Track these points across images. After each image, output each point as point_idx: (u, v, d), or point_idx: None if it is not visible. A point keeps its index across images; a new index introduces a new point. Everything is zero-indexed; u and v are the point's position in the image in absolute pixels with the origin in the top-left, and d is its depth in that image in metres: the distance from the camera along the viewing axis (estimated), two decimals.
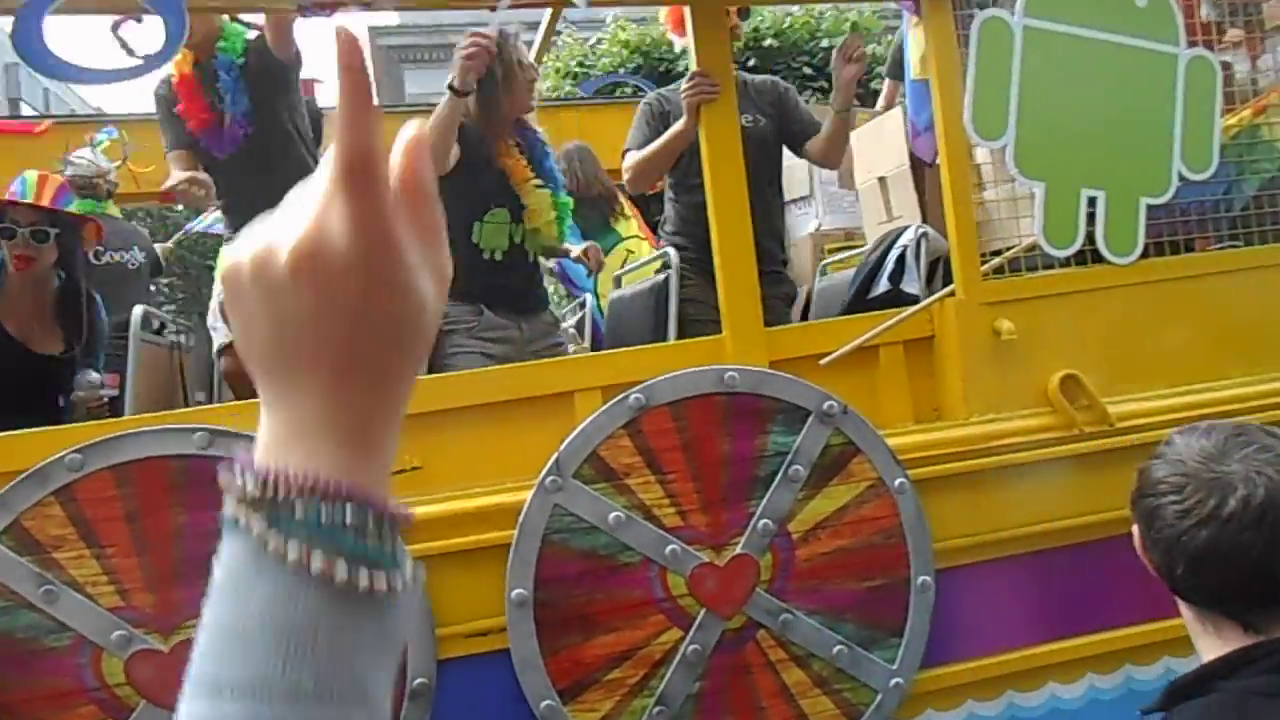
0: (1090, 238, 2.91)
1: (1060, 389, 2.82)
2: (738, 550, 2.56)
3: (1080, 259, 2.95)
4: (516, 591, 2.43)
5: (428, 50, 25.66)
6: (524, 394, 2.61)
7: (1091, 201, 2.91)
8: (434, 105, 3.01)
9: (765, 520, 2.57)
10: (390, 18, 25.56)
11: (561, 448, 2.47)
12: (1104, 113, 2.95)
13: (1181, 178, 2.99)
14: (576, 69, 10.13)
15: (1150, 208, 2.97)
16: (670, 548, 2.52)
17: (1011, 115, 2.85)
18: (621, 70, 9.64)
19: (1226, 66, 3.24)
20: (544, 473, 2.46)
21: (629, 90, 8.87)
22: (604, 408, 2.52)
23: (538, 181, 3.20)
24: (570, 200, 3.42)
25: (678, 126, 3.16)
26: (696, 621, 2.53)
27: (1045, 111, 2.89)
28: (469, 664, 2.44)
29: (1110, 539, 2.83)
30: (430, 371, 2.85)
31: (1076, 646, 2.80)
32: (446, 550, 2.39)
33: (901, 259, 3.27)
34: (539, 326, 3.25)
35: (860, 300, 3.40)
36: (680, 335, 3.27)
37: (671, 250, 3.44)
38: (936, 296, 2.88)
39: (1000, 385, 2.83)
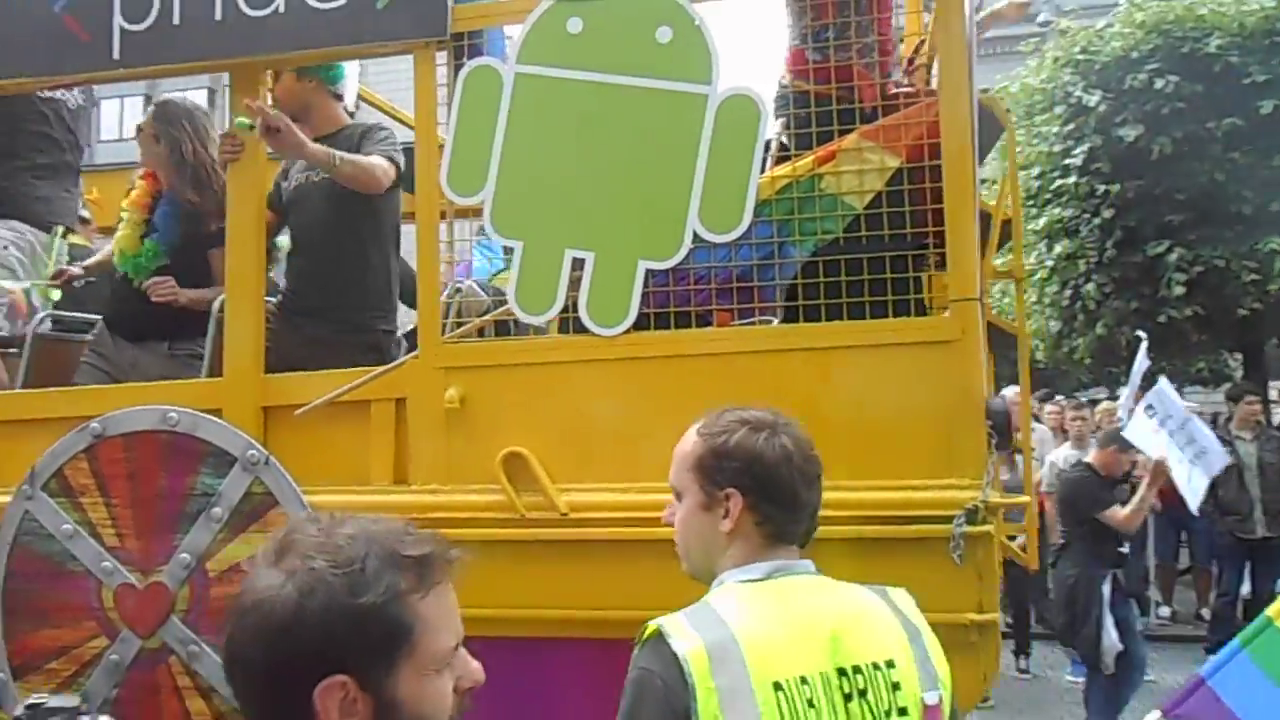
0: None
1: (505, 467, 2.59)
2: (158, 577, 2.78)
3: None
4: None
5: None
6: (42, 415, 3.05)
7: (580, 264, 2.62)
8: None
9: (185, 554, 2.76)
10: None
11: (36, 462, 2.88)
12: (603, 165, 2.63)
13: (698, 238, 2.55)
14: (1080, 57, 9.51)
15: (654, 273, 2.58)
16: (105, 564, 2.82)
17: (493, 170, 2.67)
18: (1135, 54, 8.95)
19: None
20: (21, 482, 2.89)
21: (1142, 79, 8.43)
22: (72, 431, 2.88)
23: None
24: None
25: None
26: (120, 634, 2.80)
27: (532, 165, 2.67)
28: None
29: (553, 639, 2.61)
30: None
31: None
32: None
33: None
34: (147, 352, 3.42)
35: None
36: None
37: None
38: (408, 358, 2.79)
39: (447, 455, 2.68)
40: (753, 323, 2.65)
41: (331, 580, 1.02)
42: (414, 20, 2.75)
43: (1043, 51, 10.09)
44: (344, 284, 3.18)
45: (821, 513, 2.34)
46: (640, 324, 2.59)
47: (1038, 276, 10.11)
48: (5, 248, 3.60)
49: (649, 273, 2.57)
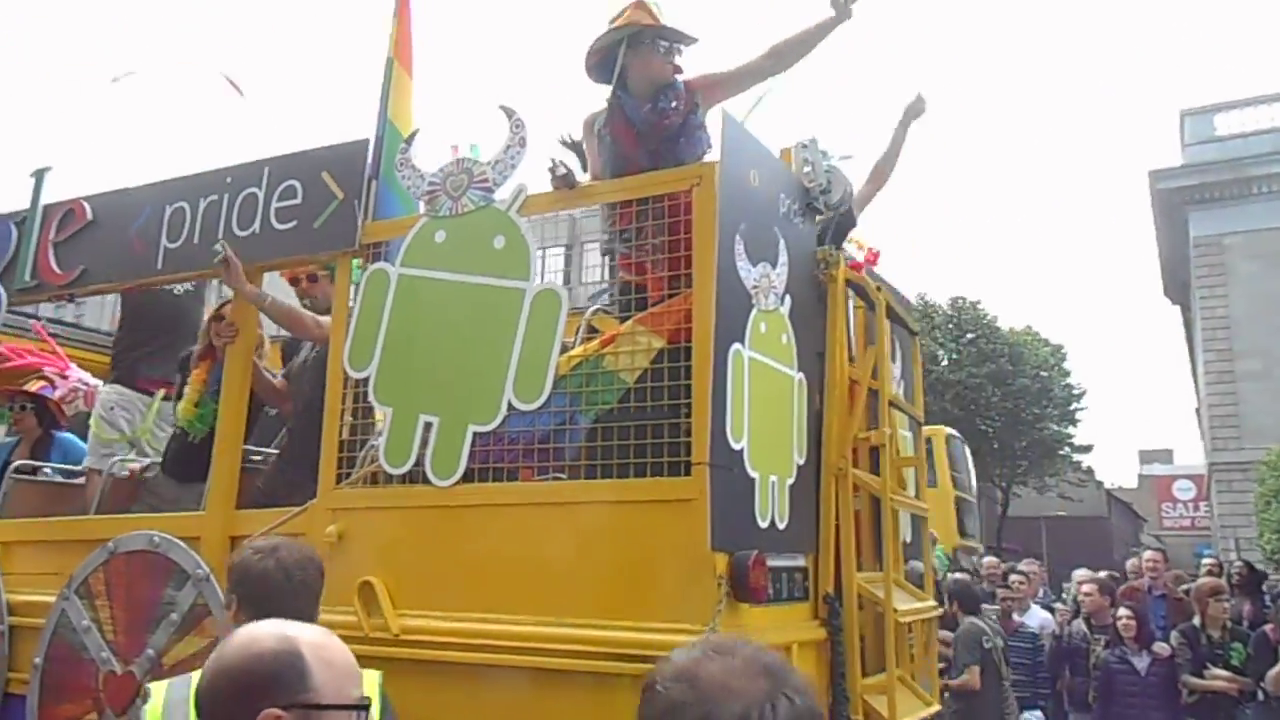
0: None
1: (359, 593, 3.16)
2: (131, 667, 3.55)
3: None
4: (35, 659, 3.80)
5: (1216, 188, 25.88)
6: (93, 536, 3.97)
7: (429, 426, 3.21)
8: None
9: (150, 650, 3.52)
10: (1173, 159, 25.69)
11: (73, 572, 3.80)
12: (449, 345, 3.24)
13: (511, 407, 3.07)
14: None
15: (479, 435, 3.12)
16: (103, 653, 3.64)
17: (378, 350, 3.36)
18: None
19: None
20: (63, 586, 3.81)
21: None
22: (99, 548, 3.77)
23: None
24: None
25: None
26: (105, 712, 3.57)
27: (404, 346, 3.33)
28: (15, 700, 3.87)
29: None
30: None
31: None
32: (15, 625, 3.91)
33: None
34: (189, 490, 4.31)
35: None
36: None
37: None
38: (312, 504, 3.45)
39: (329, 581, 3.28)
40: (548, 479, 3.09)
41: None
42: (337, 236, 3.57)
43: None
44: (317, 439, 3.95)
45: (570, 647, 2.77)
46: (468, 477, 3.11)
47: None
48: (112, 409, 4.73)
49: (475, 435, 3.12)
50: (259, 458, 4.26)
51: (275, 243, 3.73)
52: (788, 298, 3.22)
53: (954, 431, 17.12)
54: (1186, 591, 7.72)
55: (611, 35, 3.52)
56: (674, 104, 3.53)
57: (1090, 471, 43.76)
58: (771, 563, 2.95)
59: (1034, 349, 35.01)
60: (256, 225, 3.74)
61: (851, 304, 3.83)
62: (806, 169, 3.49)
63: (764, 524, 2.97)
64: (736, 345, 2.90)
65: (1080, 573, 9.09)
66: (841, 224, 4.14)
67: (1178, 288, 32.02)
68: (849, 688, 3.22)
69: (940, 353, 33.17)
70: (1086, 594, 7.53)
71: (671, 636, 2.64)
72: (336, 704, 1.43)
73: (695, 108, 3.56)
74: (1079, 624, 7.55)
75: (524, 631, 2.89)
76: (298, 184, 3.67)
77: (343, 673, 1.48)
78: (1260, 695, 6.30)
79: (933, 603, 3.95)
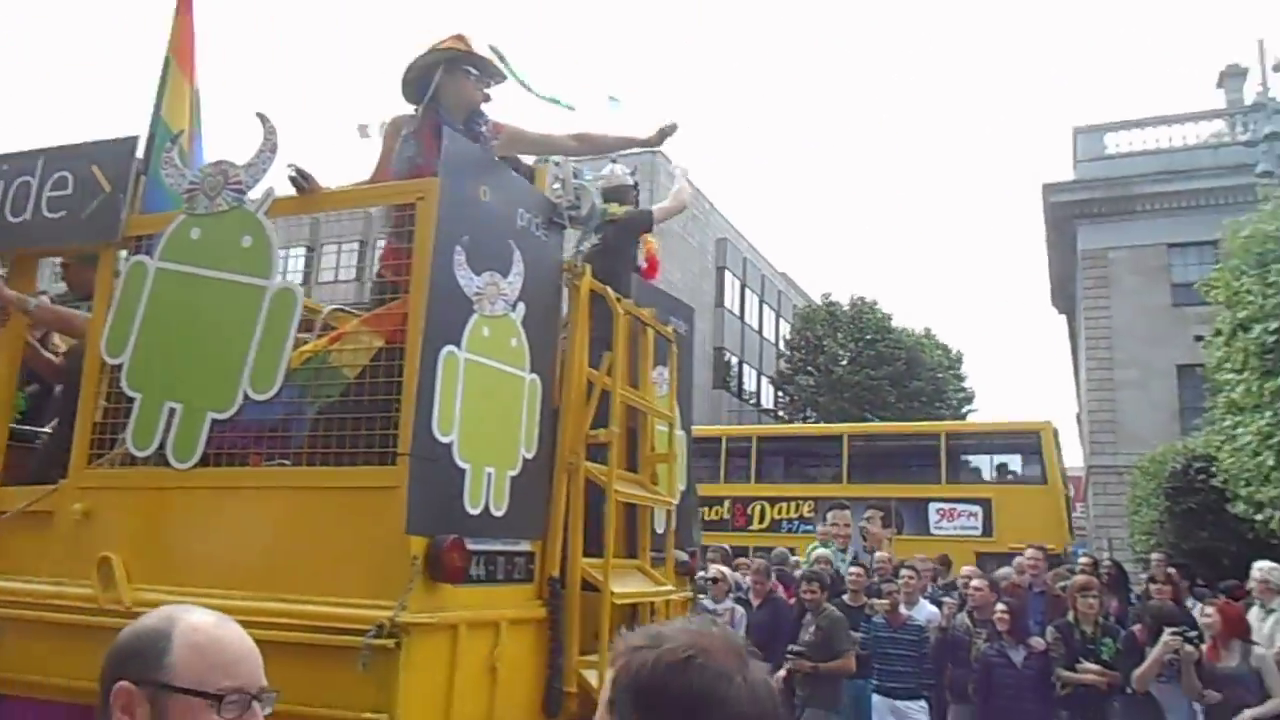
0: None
1: (98, 568, 3.34)
2: None
3: None
4: None
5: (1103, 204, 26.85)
6: None
7: (173, 412, 3.40)
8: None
9: None
10: (1065, 173, 26.94)
11: None
12: (195, 337, 3.43)
13: (247, 396, 3.28)
14: None
15: (218, 421, 3.32)
16: None
17: (132, 338, 3.53)
18: None
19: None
20: None
21: None
22: None
23: None
24: None
25: None
26: None
27: (156, 336, 3.51)
28: None
29: None
30: None
31: None
32: None
33: None
34: None
35: None
36: None
37: None
38: (64, 483, 3.61)
39: (74, 553, 3.45)
40: (274, 464, 3.31)
41: None
42: (102, 227, 3.73)
43: (1277, 199, 9.62)
44: None
45: (276, 620, 3.00)
46: (205, 461, 3.32)
47: (1276, 440, 9.24)
48: None
49: (214, 421, 3.32)
50: (38, 438, 4.38)
51: (46, 230, 3.87)
52: (521, 305, 3.49)
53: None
54: (1063, 588, 8.03)
55: (430, 57, 3.78)
56: (483, 128, 3.83)
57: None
58: (483, 546, 3.23)
59: (931, 353, 36.12)
60: (29, 212, 3.87)
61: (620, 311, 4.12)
62: (555, 185, 3.76)
63: (475, 511, 3.23)
64: (450, 347, 3.16)
65: (967, 569, 9.48)
66: (634, 222, 4.46)
67: (1065, 298, 33.32)
68: (564, 662, 3.52)
69: (842, 354, 34.05)
70: (976, 589, 7.82)
71: (370, 611, 2.90)
72: (187, 688, 1.41)
73: (492, 145, 3.87)
74: (962, 618, 7.87)
75: (241, 606, 3.08)
76: (69, 175, 3.81)
77: (214, 662, 1.44)
78: (1128, 690, 6.62)
79: (669, 587, 4.27)
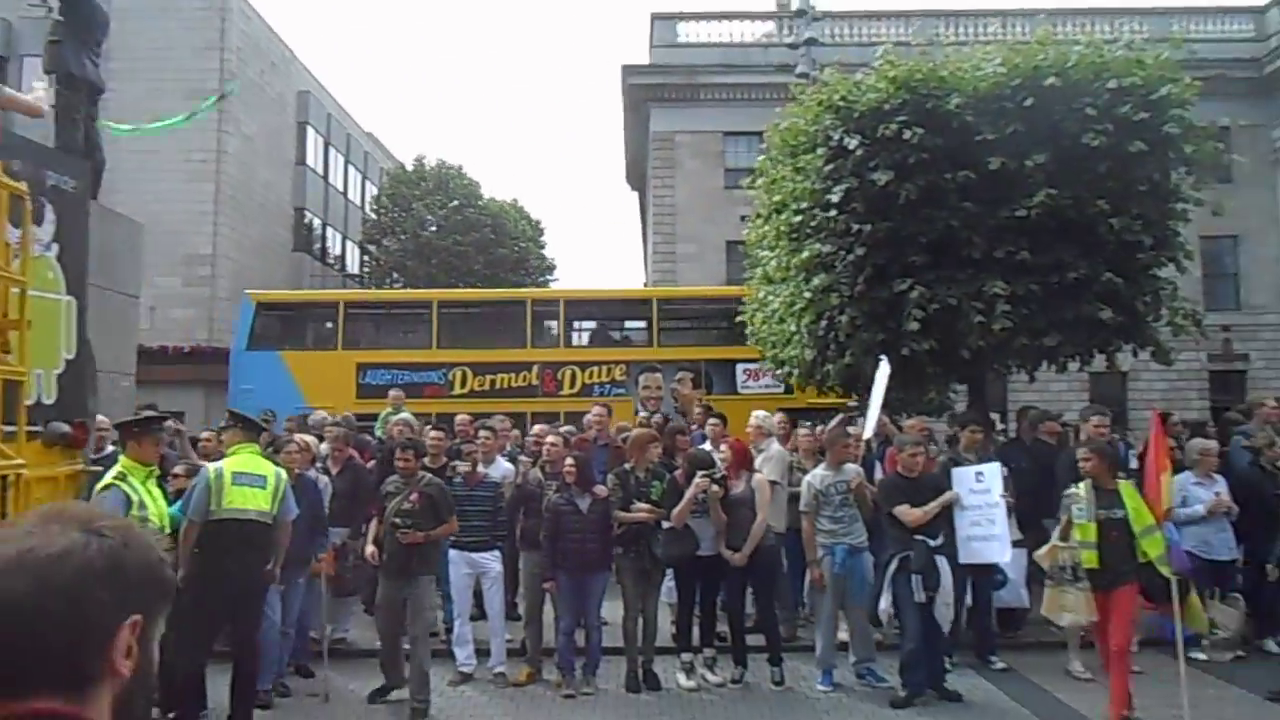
0: None
1: None
2: None
3: None
4: None
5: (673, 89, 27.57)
6: None
7: None
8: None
9: None
10: (641, 57, 27.40)
11: None
12: None
13: None
14: (840, 104, 9.86)
15: None
16: None
17: None
18: (887, 106, 9.41)
19: None
20: None
21: (893, 129, 9.09)
22: None
23: None
24: None
25: None
26: None
27: None
28: None
29: None
30: None
31: None
32: None
33: None
34: None
35: None
36: None
37: None
38: None
39: None
40: None
41: None
42: None
43: (809, 95, 10.43)
44: None
45: None
46: None
47: (796, 308, 10.50)
48: None
49: None
50: None
51: None
52: None
53: None
54: (624, 440, 8.84)
55: None
56: None
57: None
58: None
59: (516, 222, 37.04)
60: None
61: None
62: None
63: None
64: None
65: (540, 427, 10.07)
66: None
67: (638, 176, 35.65)
68: None
69: (430, 219, 33.77)
70: (550, 445, 8.33)
71: None
72: None
73: None
74: (535, 472, 8.42)
75: None
76: None
77: None
78: (664, 524, 7.63)
79: (20, 461, 4.18)
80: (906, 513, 7.24)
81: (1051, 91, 9.09)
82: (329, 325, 16.93)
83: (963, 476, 7.66)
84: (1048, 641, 8.55)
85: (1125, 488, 6.66)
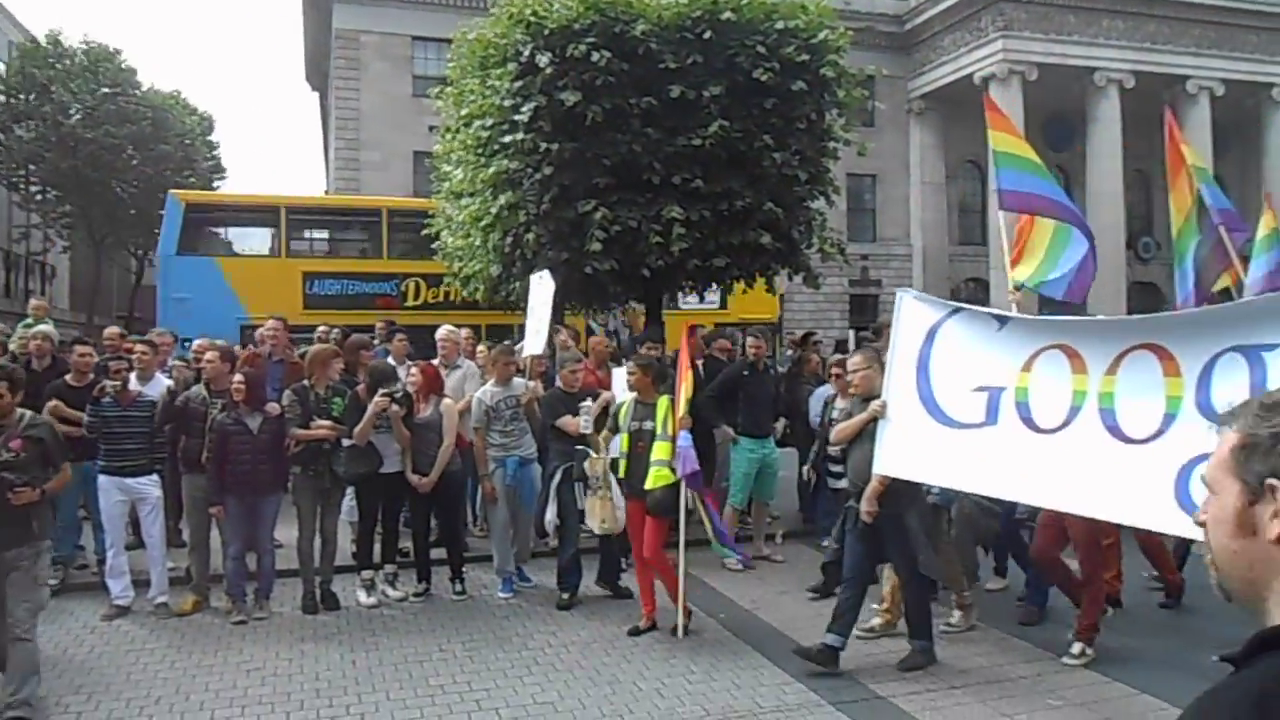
0: None
1: None
2: None
3: None
4: None
5: None
6: None
7: None
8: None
9: None
10: None
11: None
12: None
13: None
14: (532, 19, 9.58)
15: None
16: None
17: None
18: (577, 25, 9.29)
19: None
20: None
21: (582, 50, 9.04)
22: None
23: None
24: None
25: None
26: None
27: None
28: None
29: None
30: None
31: None
32: None
33: None
34: None
35: None
36: None
37: None
38: None
39: None
40: None
41: None
42: None
43: (500, 7, 10.19)
44: None
45: None
46: None
47: (483, 223, 10.41)
48: None
49: None
50: None
51: None
52: None
53: None
54: (302, 355, 8.51)
55: None
56: None
57: None
58: None
59: (181, 116, 33.61)
60: None
61: None
62: None
63: None
64: None
65: (200, 342, 9.15)
66: None
67: (319, 76, 33.53)
68: None
69: (74, 106, 29.61)
70: (209, 361, 7.71)
71: None
72: None
73: None
74: (199, 389, 7.72)
75: None
76: None
77: None
78: (344, 441, 7.43)
79: None
80: (568, 423, 7.59)
81: (728, 26, 9.62)
82: (271, 231, 15.72)
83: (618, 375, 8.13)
84: (703, 539, 9.24)
85: (663, 401, 6.92)
